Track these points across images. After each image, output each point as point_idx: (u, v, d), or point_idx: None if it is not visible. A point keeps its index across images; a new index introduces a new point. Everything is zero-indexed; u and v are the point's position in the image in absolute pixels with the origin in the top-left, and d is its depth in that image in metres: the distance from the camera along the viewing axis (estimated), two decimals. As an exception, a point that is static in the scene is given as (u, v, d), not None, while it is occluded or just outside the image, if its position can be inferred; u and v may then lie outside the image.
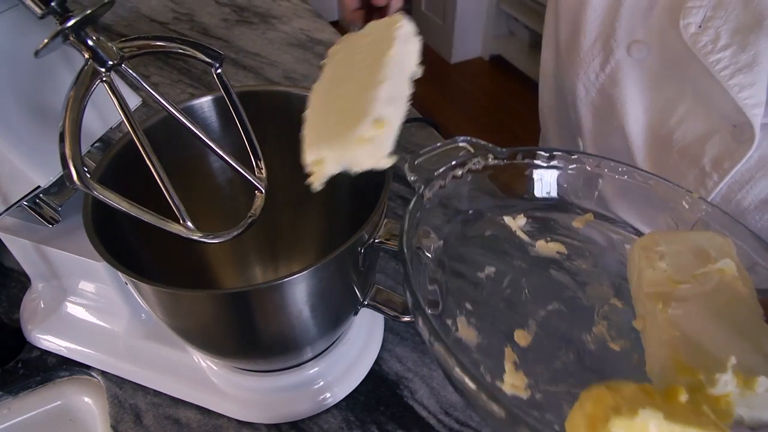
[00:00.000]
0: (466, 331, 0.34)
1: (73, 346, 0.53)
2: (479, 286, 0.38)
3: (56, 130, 0.32)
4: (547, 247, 0.41)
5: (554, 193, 0.43)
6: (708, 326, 0.30)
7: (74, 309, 0.54)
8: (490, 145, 0.39)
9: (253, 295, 0.34)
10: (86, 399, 0.53)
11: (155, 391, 0.51)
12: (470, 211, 0.41)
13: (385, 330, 0.55)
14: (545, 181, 0.43)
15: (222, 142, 0.42)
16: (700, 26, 0.42)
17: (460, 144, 0.39)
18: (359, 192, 0.51)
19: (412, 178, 0.37)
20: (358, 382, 0.51)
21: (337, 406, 0.50)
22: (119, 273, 0.33)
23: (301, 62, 0.95)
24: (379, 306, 0.46)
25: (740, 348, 0.29)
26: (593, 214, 0.42)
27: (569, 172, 0.42)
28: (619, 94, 0.50)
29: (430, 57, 2.82)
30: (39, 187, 0.41)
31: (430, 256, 0.37)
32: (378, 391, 0.51)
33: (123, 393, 0.51)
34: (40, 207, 0.45)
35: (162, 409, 0.49)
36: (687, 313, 0.31)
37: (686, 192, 0.39)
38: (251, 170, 0.41)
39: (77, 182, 0.30)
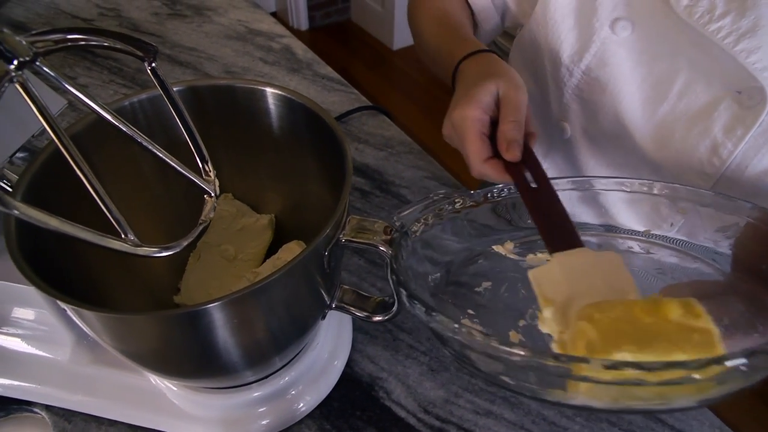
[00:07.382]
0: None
1: (8, 382, 0.48)
2: (479, 294, 0.40)
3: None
4: (537, 259, 0.41)
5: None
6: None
7: (7, 340, 0.48)
8: (464, 189, 0.41)
9: (212, 312, 0.31)
10: (30, 438, 0.48)
11: (110, 420, 0.46)
12: (460, 250, 0.43)
13: (354, 330, 0.53)
14: (521, 211, 0.44)
15: (160, 145, 0.38)
16: None
17: (440, 195, 0.41)
18: (318, 188, 0.48)
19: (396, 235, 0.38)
20: (331, 388, 0.49)
21: (310, 415, 0.47)
22: (58, 301, 0.29)
23: (241, 55, 0.90)
24: (348, 307, 0.44)
25: None
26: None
27: None
28: (609, 74, 0.49)
29: (372, 45, 2.79)
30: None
31: (430, 282, 0.39)
32: (352, 394, 0.49)
33: (73, 427, 0.46)
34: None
35: (119, 440, 0.45)
36: None
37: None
38: (197, 172, 0.37)
39: (-8, 201, 0.26)
